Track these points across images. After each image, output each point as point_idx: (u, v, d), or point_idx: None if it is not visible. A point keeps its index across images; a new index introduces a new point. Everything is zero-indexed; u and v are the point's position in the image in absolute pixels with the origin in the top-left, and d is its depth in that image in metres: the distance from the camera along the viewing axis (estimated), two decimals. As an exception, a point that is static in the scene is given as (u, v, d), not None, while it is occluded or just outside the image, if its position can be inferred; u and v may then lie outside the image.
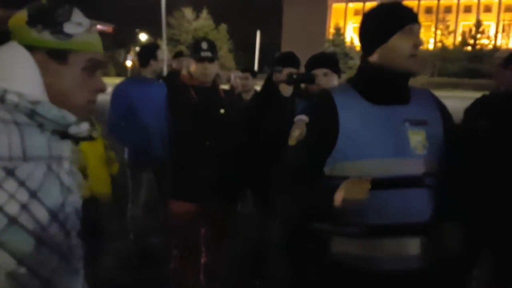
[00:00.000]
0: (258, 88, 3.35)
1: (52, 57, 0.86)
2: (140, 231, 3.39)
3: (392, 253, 1.31)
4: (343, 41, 45.71)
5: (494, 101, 2.23)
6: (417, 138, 1.32)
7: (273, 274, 2.69)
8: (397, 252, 1.31)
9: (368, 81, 1.37)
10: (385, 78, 1.35)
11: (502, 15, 53.54)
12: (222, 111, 2.33)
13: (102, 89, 0.94)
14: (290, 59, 2.50)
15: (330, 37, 49.42)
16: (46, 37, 0.85)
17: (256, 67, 17.70)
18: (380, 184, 1.24)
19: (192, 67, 2.34)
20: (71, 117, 0.86)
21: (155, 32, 33.75)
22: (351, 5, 59.33)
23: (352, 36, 53.23)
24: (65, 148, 0.89)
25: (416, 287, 1.33)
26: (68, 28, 0.87)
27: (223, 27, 48.98)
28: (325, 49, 43.73)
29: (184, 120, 2.29)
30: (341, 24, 55.09)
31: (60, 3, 0.89)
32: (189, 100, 2.30)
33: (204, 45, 2.30)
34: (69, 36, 0.87)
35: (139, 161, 3.26)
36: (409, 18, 1.34)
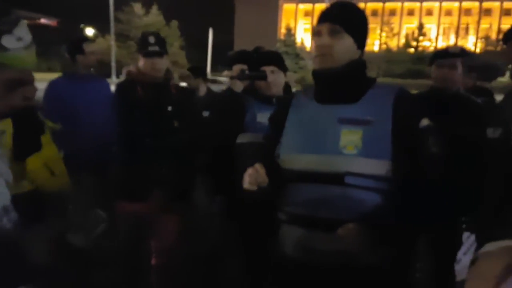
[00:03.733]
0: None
1: None
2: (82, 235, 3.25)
3: (302, 244, 1.40)
4: (294, 42, 46.37)
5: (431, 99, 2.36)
6: (349, 138, 1.34)
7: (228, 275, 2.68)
8: (302, 243, 1.40)
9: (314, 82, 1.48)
10: (317, 78, 1.47)
11: (442, 19, 56.72)
12: (169, 108, 2.29)
13: (21, 104, 0.89)
14: (244, 57, 2.51)
15: (282, 37, 49.97)
16: None
17: (208, 65, 17.53)
18: (301, 177, 1.39)
19: (140, 62, 2.28)
20: None
21: (103, 27, 32.59)
22: (301, 6, 60.33)
23: (302, 36, 54.16)
24: None
25: (345, 282, 1.35)
26: (6, 41, 0.82)
27: (175, 23, 48.08)
28: (277, 48, 44.13)
29: (129, 118, 2.22)
30: (292, 25, 55.90)
31: (7, 11, 0.84)
32: (135, 97, 2.23)
33: (152, 39, 2.25)
34: (4, 49, 0.83)
35: (78, 163, 3.10)
36: (319, 19, 1.43)
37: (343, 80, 1.41)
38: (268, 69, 2.21)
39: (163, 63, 2.29)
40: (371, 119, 1.36)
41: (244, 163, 1.42)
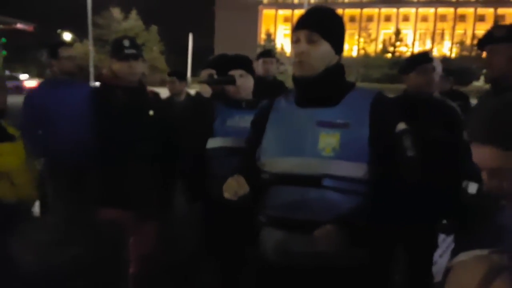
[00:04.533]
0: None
1: None
2: (61, 243, 3.18)
3: (281, 246, 1.41)
4: (274, 47, 46.65)
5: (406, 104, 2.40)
6: (328, 140, 1.36)
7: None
8: (281, 246, 1.41)
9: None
10: (296, 83, 1.49)
11: (418, 24, 58.03)
12: (151, 112, 2.27)
13: None
14: (213, 61, 2.51)
15: (262, 42, 50.24)
16: None
17: (189, 70, 17.45)
18: (280, 180, 1.41)
19: (115, 66, 2.24)
20: None
21: (81, 32, 32.15)
22: (281, 12, 60.85)
23: (282, 42, 54.53)
24: None
25: (325, 283, 1.37)
26: None
27: (154, 28, 47.81)
28: (257, 53, 44.26)
29: (111, 123, 2.19)
30: (272, 30, 56.26)
31: None
32: (115, 101, 2.20)
33: (126, 42, 2.22)
34: None
35: (57, 169, 3.05)
36: (297, 25, 1.45)
37: (322, 85, 1.43)
38: (236, 73, 2.20)
39: (139, 66, 2.27)
40: (348, 122, 1.38)
41: (221, 168, 1.43)
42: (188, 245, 2.72)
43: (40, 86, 3.17)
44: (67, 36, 42.67)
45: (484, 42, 2.08)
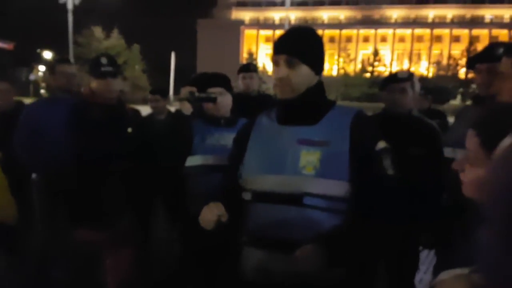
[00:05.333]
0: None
1: None
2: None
3: (262, 266, 1.38)
4: (255, 66, 47.26)
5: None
6: (308, 158, 1.36)
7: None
8: (262, 266, 1.38)
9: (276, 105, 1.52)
10: (277, 103, 1.50)
11: (396, 45, 59.67)
12: (129, 130, 2.25)
13: None
14: (193, 79, 2.50)
15: (244, 61, 50.83)
16: None
17: (171, 89, 17.44)
18: (261, 198, 1.40)
19: (93, 84, 2.22)
20: None
21: (62, 51, 31.90)
22: (262, 32, 61.84)
23: (264, 61, 55.21)
24: None
25: None
26: None
27: (136, 47, 47.85)
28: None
29: (88, 140, 2.15)
30: (254, 50, 56.98)
31: None
32: (93, 118, 2.17)
33: (104, 60, 2.22)
34: None
35: (48, 186, 2.98)
36: (276, 48, 1.47)
37: (303, 105, 1.44)
38: (215, 90, 2.20)
39: (117, 84, 2.25)
40: (329, 140, 1.38)
41: (201, 186, 1.41)
42: (167, 265, 2.65)
43: (35, 102, 3.18)
44: (47, 54, 42.32)
45: (474, 61, 2.07)
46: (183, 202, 2.10)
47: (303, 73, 1.43)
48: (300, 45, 1.44)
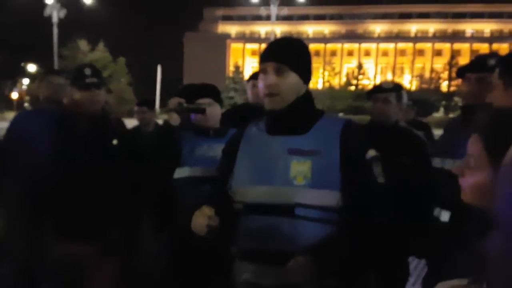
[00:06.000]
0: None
1: None
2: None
3: (252, 279, 1.35)
4: (242, 79, 47.38)
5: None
6: (299, 169, 1.34)
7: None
8: (253, 279, 1.35)
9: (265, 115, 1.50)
10: (265, 114, 1.48)
11: (379, 59, 60.75)
12: (114, 141, 2.20)
13: None
14: (181, 90, 2.48)
15: (230, 74, 51.00)
16: None
17: (158, 101, 17.37)
18: (252, 209, 1.37)
19: (76, 95, 2.18)
20: None
21: (46, 64, 31.61)
22: (248, 46, 62.35)
23: (250, 74, 55.47)
24: None
25: None
26: None
27: (122, 60, 47.59)
28: (225, 85, 44.90)
29: (72, 152, 2.10)
30: (240, 63, 57.32)
31: None
32: (77, 129, 2.13)
33: (88, 71, 2.17)
34: None
35: (32, 199, 2.91)
36: (264, 56, 1.45)
37: (293, 115, 1.43)
38: (204, 101, 2.18)
39: (101, 95, 2.21)
40: (319, 149, 1.36)
41: (189, 198, 1.38)
42: (154, 277, 2.59)
43: (22, 114, 3.10)
44: (31, 67, 41.84)
45: (463, 71, 2.09)
46: (170, 214, 2.07)
47: (292, 81, 1.41)
48: (289, 53, 1.43)
